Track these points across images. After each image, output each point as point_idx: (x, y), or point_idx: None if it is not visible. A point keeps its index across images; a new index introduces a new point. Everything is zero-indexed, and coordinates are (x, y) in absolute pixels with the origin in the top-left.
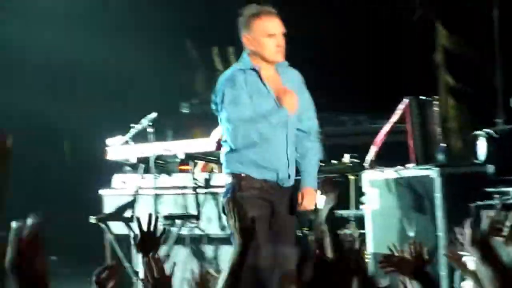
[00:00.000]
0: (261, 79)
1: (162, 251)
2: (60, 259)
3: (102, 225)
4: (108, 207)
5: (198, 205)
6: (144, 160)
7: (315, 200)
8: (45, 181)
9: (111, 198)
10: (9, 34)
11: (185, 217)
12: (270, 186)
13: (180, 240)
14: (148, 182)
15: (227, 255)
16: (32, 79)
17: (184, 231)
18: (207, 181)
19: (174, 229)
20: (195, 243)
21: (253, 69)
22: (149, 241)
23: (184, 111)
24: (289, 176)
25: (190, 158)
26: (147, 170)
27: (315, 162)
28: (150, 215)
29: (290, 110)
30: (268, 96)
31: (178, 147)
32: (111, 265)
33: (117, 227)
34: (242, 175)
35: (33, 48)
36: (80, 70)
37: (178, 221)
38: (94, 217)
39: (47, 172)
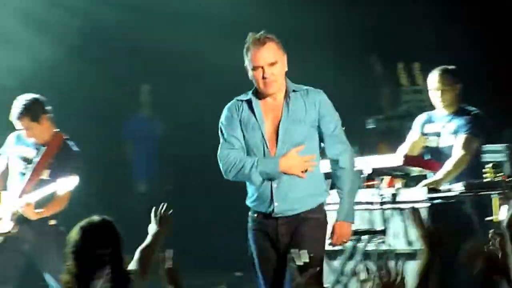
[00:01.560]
0: (253, 110)
1: (349, 265)
2: (244, 274)
3: None
4: None
5: (384, 220)
6: (330, 176)
7: (347, 234)
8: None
9: None
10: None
11: (372, 233)
12: (264, 217)
13: (366, 255)
14: (334, 197)
15: (413, 270)
16: (194, 86)
17: (371, 247)
18: (394, 196)
19: (360, 245)
20: (382, 258)
21: (248, 100)
22: None
23: (369, 126)
24: (274, 208)
25: (377, 173)
26: (333, 186)
27: (347, 191)
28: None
29: (282, 169)
30: (258, 125)
31: (364, 163)
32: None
33: None
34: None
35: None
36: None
37: (364, 237)
38: None
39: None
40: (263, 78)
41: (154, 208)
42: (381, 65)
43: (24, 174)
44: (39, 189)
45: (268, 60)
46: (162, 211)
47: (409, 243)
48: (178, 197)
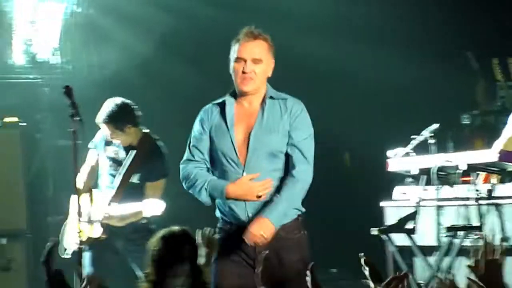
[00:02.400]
0: (224, 115)
1: (445, 261)
2: (339, 271)
3: (384, 237)
4: (390, 219)
5: (480, 216)
6: (426, 172)
7: (266, 231)
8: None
9: (392, 210)
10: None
11: (468, 228)
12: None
13: (462, 251)
14: (430, 193)
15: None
16: (310, 91)
17: (467, 242)
18: (490, 192)
19: (456, 241)
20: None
21: (222, 103)
22: None
23: (464, 122)
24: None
25: (472, 169)
26: (428, 182)
27: (286, 198)
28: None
29: (229, 197)
30: (228, 132)
31: (459, 158)
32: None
33: (399, 239)
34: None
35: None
36: (354, 82)
37: (460, 233)
38: (376, 229)
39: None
40: (243, 72)
41: (200, 232)
42: (476, 60)
43: (113, 176)
44: (126, 204)
45: (253, 55)
46: (208, 234)
47: (505, 239)
48: None
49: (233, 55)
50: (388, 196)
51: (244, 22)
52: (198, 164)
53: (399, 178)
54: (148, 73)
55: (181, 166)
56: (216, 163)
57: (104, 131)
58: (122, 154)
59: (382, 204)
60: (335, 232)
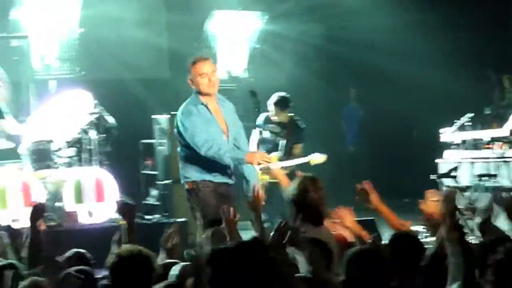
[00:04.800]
0: (209, 111)
1: (473, 196)
2: (411, 200)
3: (438, 180)
4: (441, 170)
5: (497, 168)
6: (464, 142)
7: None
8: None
9: (443, 165)
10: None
11: (488, 176)
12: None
13: (485, 189)
14: (466, 154)
15: None
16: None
17: (488, 184)
18: (503, 153)
19: (481, 183)
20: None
21: (202, 104)
22: None
23: (486, 112)
24: (230, 176)
25: (492, 140)
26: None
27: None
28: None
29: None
30: (215, 123)
31: (485, 134)
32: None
33: (447, 181)
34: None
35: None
36: (420, 82)
37: (484, 178)
38: (433, 175)
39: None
40: (209, 80)
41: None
42: (494, 75)
43: (270, 144)
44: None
45: (213, 69)
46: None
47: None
48: (372, 152)
49: (196, 72)
50: (440, 156)
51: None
52: (212, 143)
53: (447, 145)
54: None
55: (201, 141)
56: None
57: (271, 112)
58: (277, 129)
59: (437, 161)
60: (407, 177)
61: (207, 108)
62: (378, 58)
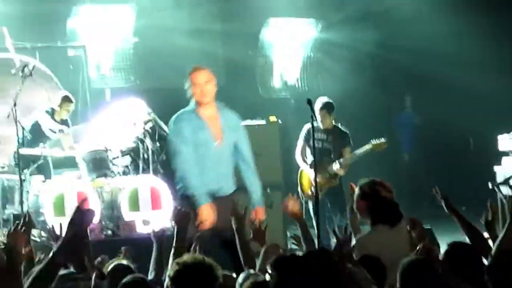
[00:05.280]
0: (200, 117)
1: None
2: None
3: (496, 188)
4: (499, 178)
5: None
6: None
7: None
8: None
9: (501, 173)
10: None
11: None
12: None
13: None
14: None
15: None
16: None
17: None
18: None
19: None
20: None
21: (195, 111)
22: None
23: None
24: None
25: None
26: None
27: (258, 189)
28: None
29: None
30: (205, 129)
31: None
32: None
33: (504, 190)
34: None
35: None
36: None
37: None
38: (491, 183)
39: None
40: (201, 91)
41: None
42: None
43: (312, 147)
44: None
45: (206, 79)
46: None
47: None
48: (427, 160)
49: (192, 81)
50: (498, 163)
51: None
52: (185, 157)
53: (505, 153)
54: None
55: (177, 184)
56: (197, 151)
57: (319, 117)
58: (323, 136)
59: (494, 168)
60: (464, 185)
61: (198, 114)
62: (433, 65)
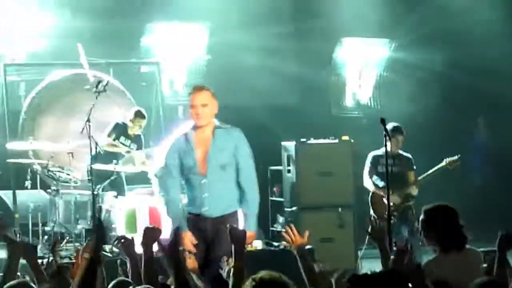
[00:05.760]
0: (190, 141)
1: None
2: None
3: None
4: None
5: None
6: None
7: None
8: None
9: None
10: None
11: None
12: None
13: None
14: None
15: None
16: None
17: None
18: None
19: None
20: None
21: (187, 134)
22: None
23: None
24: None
25: None
26: None
27: (253, 212)
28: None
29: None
30: (191, 153)
31: None
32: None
33: None
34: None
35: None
36: None
37: None
38: None
39: None
40: (197, 114)
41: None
42: None
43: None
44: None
45: (201, 102)
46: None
47: None
48: (501, 183)
49: (189, 102)
50: None
51: None
52: (173, 180)
53: None
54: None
55: (159, 178)
56: (184, 174)
57: (396, 141)
58: (389, 160)
59: None
60: None
61: (191, 138)
62: (506, 86)
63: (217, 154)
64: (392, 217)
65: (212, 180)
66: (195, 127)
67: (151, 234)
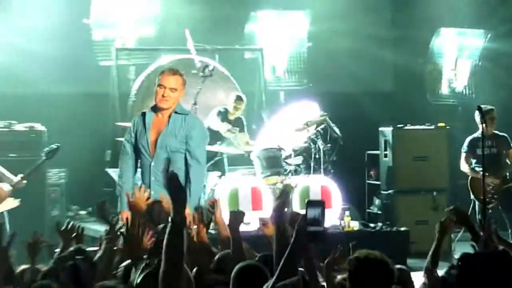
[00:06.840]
0: (146, 121)
1: None
2: None
3: None
4: None
5: None
6: None
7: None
8: None
9: None
10: None
11: None
12: None
13: None
14: None
15: None
16: None
17: None
18: None
19: None
20: None
21: (145, 113)
22: None
23: None
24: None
25: None
26: None
27: (197, 183)
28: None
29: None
30: (145, 134)
31: None
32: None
33: None
34: None
35: None
36: None
37: None
38: None
39: None
40: (163, 95)
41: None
42: None
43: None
44: None
45: (172, 86)
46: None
47: None
48: None
49: (157, 81)
50: None
51: None
52: (126, 156)
53: None
54: None
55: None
56: (138, 154)
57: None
58: (488, 142)
59: None
60: None
61: (148, 119)
62: None
63: (168, 138)
64: (494, 200)
65: (159, 164)
66: (156, 109)
67: (236, 217)
